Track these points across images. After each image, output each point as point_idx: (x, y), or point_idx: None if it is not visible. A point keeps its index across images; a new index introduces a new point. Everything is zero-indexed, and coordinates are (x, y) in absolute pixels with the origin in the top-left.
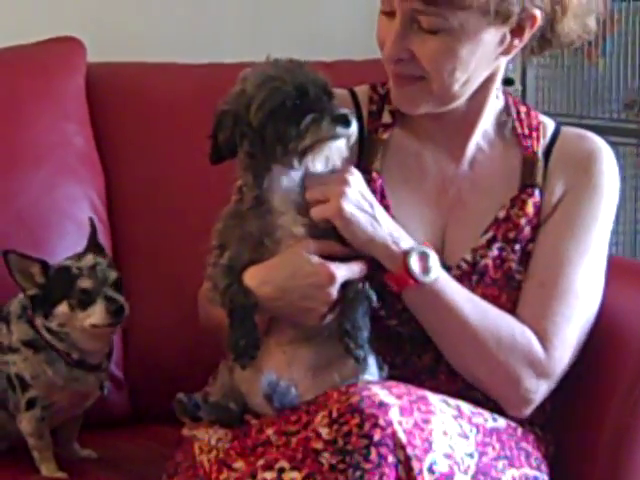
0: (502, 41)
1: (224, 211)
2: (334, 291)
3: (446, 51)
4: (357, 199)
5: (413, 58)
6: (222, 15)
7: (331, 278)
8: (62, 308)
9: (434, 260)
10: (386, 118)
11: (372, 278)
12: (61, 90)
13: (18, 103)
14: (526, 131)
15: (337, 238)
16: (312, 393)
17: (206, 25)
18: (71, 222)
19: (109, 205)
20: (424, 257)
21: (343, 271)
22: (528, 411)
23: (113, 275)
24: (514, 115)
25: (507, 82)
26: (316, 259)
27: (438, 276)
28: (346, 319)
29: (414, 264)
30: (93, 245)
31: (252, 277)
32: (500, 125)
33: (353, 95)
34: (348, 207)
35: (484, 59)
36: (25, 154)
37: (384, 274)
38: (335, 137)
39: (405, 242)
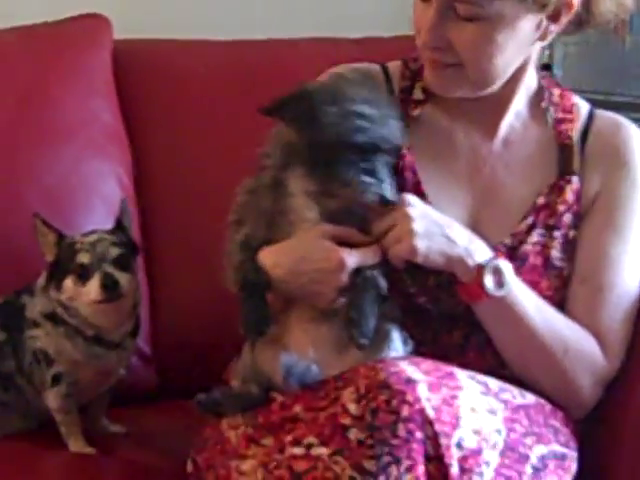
0: (538, 27)
1: (243, 185)
2: (344, 277)
3: (483, 38)
4: (426, 229)
5: (450, 46)
6: None
7: (341, 264)
8: (68, 282)
9: (508, 273)
10: (418, 94)
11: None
12: (87, 67)
13: (45, 80)
14: (560, 115)
15: (353, 224)
16: (336, 370)
17: (234, 1)
18: (99, 198)
19: (137, 181)
20: (498, 271)
21: (355, 257)
22: (583, 415)
23: (115, 252)
24: (547, 98)
25: (545, 67)
26: (328, 244)
27: (510, 289)
28: (352, 307)
29: (488, 279)
30: (117, 224)
31: (265, 258)
32: (533, 107)
33: (385, 71)
34: (421, 243)
35: (520, 45)
36: (53, 131)
37: (457, 285)
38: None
39: (480, 254)
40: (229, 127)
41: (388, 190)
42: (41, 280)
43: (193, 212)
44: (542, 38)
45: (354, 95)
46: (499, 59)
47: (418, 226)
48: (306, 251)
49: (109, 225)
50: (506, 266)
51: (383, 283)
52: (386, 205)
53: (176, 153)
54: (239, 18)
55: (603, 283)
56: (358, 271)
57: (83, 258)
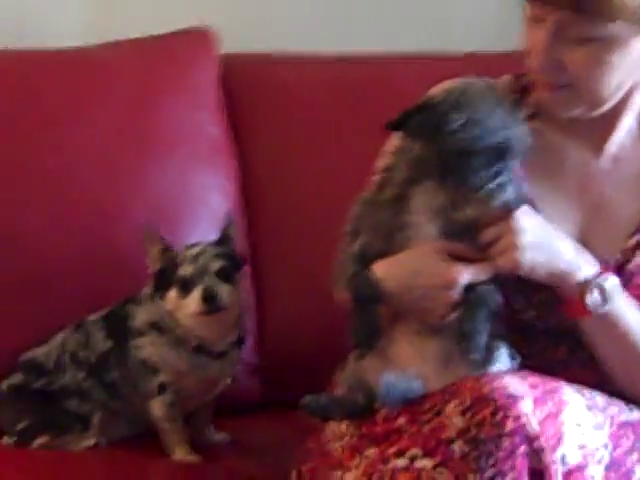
0: None
1: (361, 197)
2: (455, 294)
3: (596, 60)
4: (532, 242)
5: (562, 67)
6: (352, 3)
7: (454, 281)
8: (171, 293)
9: (613, 289)
10: (527, 109)
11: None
12: (193, 80)
13: (151, 92)
14: None
15: (471, 241)
16: (440, 385)
17: (337, 14)
18: (204, 210)
19: (245, 194)
20: (602, 288)
21: (468, 274)
22: None
23: (216, 264)
24: None
25: None
26: (442, 259)
27: (614, 305)
28: (465, 321)
29: (590, 296)
30: (221, 236)
31: (379, 270)
32: None
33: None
34: (525, 258)
35: (633, 65)
36: (158, 142)
37: (561, 303)
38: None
39: (585, 270)
40: (337, 142)
41: (513, 195)
42: (147, 289)
43: (300, 225)
44: None
45: (479, 100)
46: (613, 79)
47: (524, 239)
48: (419, 266)
49: (213, 236)
50: (611, 282)
51: (497, 299)
52: (510, 210)
53: (283, 167)
54: (348, 31)
55: None
56: (472, 286)
57: (185, 270)
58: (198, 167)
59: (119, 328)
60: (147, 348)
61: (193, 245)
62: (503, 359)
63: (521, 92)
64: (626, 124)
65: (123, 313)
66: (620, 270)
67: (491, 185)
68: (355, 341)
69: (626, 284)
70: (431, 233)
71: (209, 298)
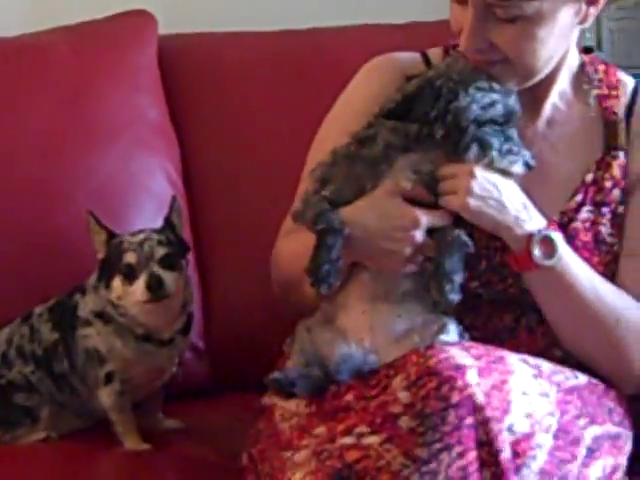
0: (578, 13)
1: (337, 149)
2: (418, 235)
3: (525, 36)
4: (483, 189)
5: (492, 46)
6: None
7: (415, 221)
8: (116, 281)
9: (559, 243)
10: None
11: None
12: (134, 64)
13: (92, 78)
14: (605, 91)
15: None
16: (393, 357)
17: None
18: (148, 195)
19: (186, 176)
20: (547, 241)
21: (428, 216)
22: (634, 390)
23: (161, 251)
24: (592, 74)
25: (586, 50)
26: (403, 202)
27: (561, 259)
28: (444, 260)
29: (537, 248)
30: (166, 223)
31: (344, 217)
32: (577, 86)
33: (426, 58)
34: (473, 201)
35: (562, 34)
36: (101, 129)
37: (507, 254)
38: (508, 173)
39: (531, 224)
40: (277, 118)
41: (528, 156)
42: (92, 279)
43: (243, 206)
44: (582, 22)
45: (475, 76)
46: (543, 52)
47: (476, 185)
48: (381, 209)
49: (159, 222)
50: (557, 236)
51: (470, 242)
52: (530, 170)
53: (224, 147)
54: (283, 8)
55: None
56: (437, 231)
57: (130, 258)
58: (140, 152)
59: (66, 319)
60: (93, 338)
61: (137, 232)
62: (452, 336)
63: None
64: (559, 87)
65: (69, 303)
66: (563, 231)
67: (505, 151)
68: (315, 277)
69: (568, 244)
70: (404, 184)
71: (154, 286)
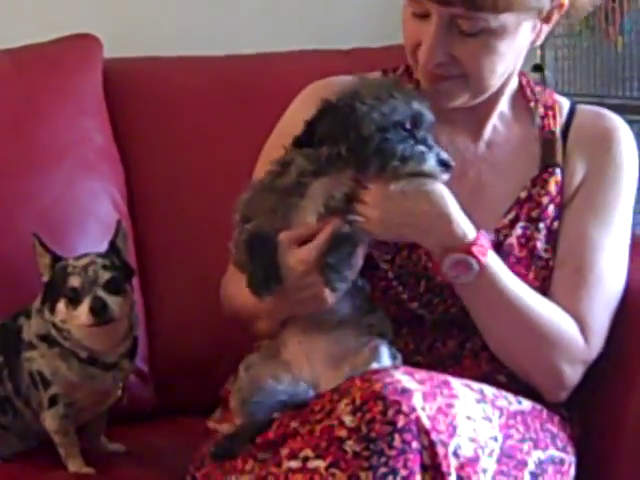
0: (533, 29)
1: (252, 184)
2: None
3: (487, 50)
4: (389, 211)
5: (451, 60)
6: (237, 6)
7: (307, 264)
8: (60, 305)
9: (488, 256)
10: None
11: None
12: (79, 87)
13: (35, 101)
14: (541, 110)
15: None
16: (332, 384)
17: (221, 17)
18: (93, 218)
19: (130, 200)
20: (462, 262)
21: (311, 250)
22: (564, 397)
23: (106, 275)
24: (529, 95)
25: (536, 69)
26: (291, 251)
27: (489, 265)
28: (330, 254)
29: (446, 265)
30: (110, 247)
31: None
32: (516, 105)
33: None
34: (379, 227)
35: (519, 50)
36: (45, 152)
37: (433, 265)
38: (433, 177)
39: (465, 235)
40: (222, 142)
41: (443, 154)
42: (37, 302)
43: (188, 230)
44: (535, 40)
45: (376, 86)
46: (500, 66)
47: (383, 215)
48: (282, 267)
49: (103, 246)
50: (476, 259)
51: (360, 234)
52: (448, 168)
53: (169, 170)
54: (228, 33)
55: (582, 264)
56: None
57: (74, 282)
58: (85, 176)
59: (10, 342)
60: (38, 361)
61: (82, 256)
62: (384, 359)
63: None
64: (500, 109)
65: (13, 327)
66: (498, 249)
67: (410, 154)
68: (253, 286)
69: (505, 262)
70: (310, 219)
71: (98, 310)
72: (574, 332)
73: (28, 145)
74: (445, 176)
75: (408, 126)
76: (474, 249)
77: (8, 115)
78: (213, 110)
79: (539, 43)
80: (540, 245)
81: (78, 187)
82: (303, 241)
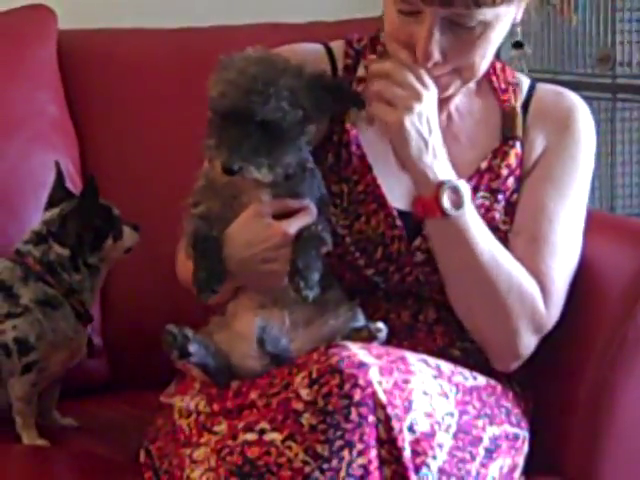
0: (515, 15)
1: (202, 170)
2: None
3: (481, 41)
4: (420, 119)
5: (446, 57)
6: None
7: (284, 236)
8: (109, 240)
9: (467, 196)
10: (361, 72)
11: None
12: (33, 58)
13: None
14: (503, 85)
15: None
16: (308, 347)
17: None
18: (47, 190)
19: (84, 172)
20: (457, 192)
21: (295, 225)
22: (515, 366)
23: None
24: (490, 70)
25: (517, 45)
26: (266, 222)
27: (464, 213)
28: (297, 258)
29: (445, 196)
30: (61, 189)
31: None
32: (478, 80)
33: (328, 50)
34: (408, 125)
35: (504, 34)
36: None
37: (414, 199)
38: None
39: (444, 174)
40: (174, 114)
41: (227, 161)
42: (10, 275)
43: (141, 201)
44: (515, 18)
45: (233, 66)
46: (490, 53)
47: (418, 110)
48: (249, 235)
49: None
50: (465, 189)
51: (328, 237)
52: (226, 173)
53: (123, 143)
54: (183, 5)
55: (537, 233)
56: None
57: (116, 211)
58: (39, 148)
59: None
60: (23, 327)
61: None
62: (360, 317)
63: (355, 56)
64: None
65: None
66: None
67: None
68: (197, 286)
69: None
70: (264, 197)
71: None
72: (535, 294)
73: None
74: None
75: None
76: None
77: None
78: (167, 82)
79: (518, 20)
80: (498, 216)
81: (32, 159)
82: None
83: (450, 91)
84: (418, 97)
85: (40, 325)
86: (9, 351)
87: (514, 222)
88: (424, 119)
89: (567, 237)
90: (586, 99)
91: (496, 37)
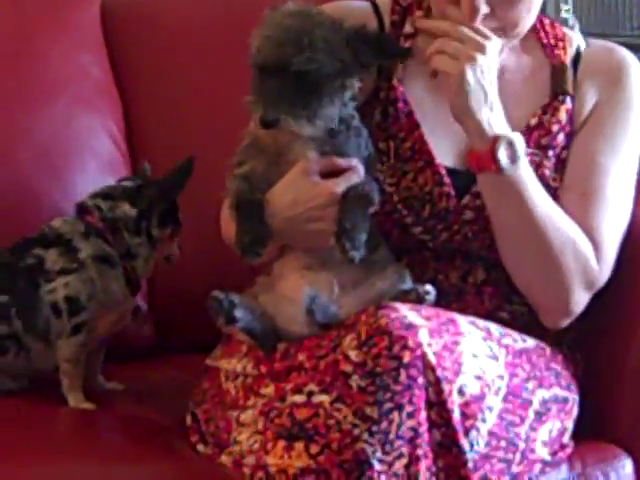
0: None
1: (247, 129)
2: (338, 207)
3: (526, 2)
4: (482, 71)
5: (493, 11)
6: None
7: (331, 196)
8: (167, 230)
9: (522, 151)
10: (408, 28)
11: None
12: (75, 21)
13: (32, 36)
14: (552, 41)
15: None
16: (351, 308)
17: None
18: (91, 154)
19: (129, 135)
20: (512, 146)
21: (342, 184)
22: (566, 323)
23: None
24: (538, 25)
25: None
26: (313, 180)
27: (519, 168)
28: (344, 218)
29: (501, 150)
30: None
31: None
32: (526, 35)
33: (375, 6)
34: (470, 76)
35: None
36: (42, 87)
37: (469, 152)
38: None
39: (500, 128)
40: (220, 78)
41: (265, 113)
42: (70, 229)
43: None
44: None
45: (269, 21)
46: (536, 9)
47: (480, 62)
48: (295, 193)
49: (102, 180)
50: (520, 144)
51: (375, 197)
52: (264, 126)
53: (168, 106)
54: None
55: (589, 189)
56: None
57: None
58: (83, 110)
59: (20, 278)
60: (75, 285)
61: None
62: (408, 280)
63: (401, 12)
64: None
65: (24, 262)
66: None
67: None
68: (240, 250)
69: None
70: (312, 155)
71: None
72: (589, 250)
73: (25, 81)
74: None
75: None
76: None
77: (5, 50)
78: (212, 43)
79: None
80: (548, 173)
81: (76, 122)
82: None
83: None
84: (481, 48)
85: (92, 284)
86: (59, 310)
87: (565, 176)
88: (486, 70)
89: (619, 192)
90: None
91: None
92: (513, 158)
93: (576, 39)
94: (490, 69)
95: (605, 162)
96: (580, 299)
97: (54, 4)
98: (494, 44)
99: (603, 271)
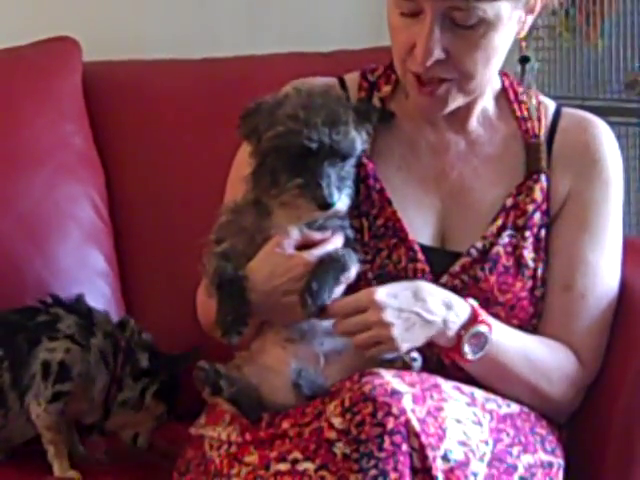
0: (519, 21)
1: (225, 205)
2: None
3: (483, 43)
4: (398, 315)
5: (448, 58)
6: (218, 9)
7: (307, 266)
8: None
9: (487, 332)
10: (376, 103)
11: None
12: (58, 90)
13: (15, 105)
14: (525, 113)
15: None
16: (337, 377)
17: (203, 19)
18: (73, 222)
19: (111, 204)
20: (478, 335)
21: (317, 253)
22: (565, 420)
23: None
24: (512, 97)
25: (523, 60)
26: (290, 252)
27: (491, 346)
28: (313, 277)
29: (467, 346)
30: None
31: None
32: (500, 107)
33: (342, 83)
34: (404, 344)
35: (508, 42)
36: (24, 156)
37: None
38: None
39: (458, 319)
40: (202, 146)
41: (328, 195)
42: None
43: (169, 233)
44: (519, 32)
45: (293, 102)
46: (494, 61)
47: (397, 331)
48: (271, 266)
49: (83, 249)
50: (484, 328)
51: (352, 264)
52: (325, 208)
53: (149, 174)
54: (208, 36)
55: (585, 290)
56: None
57: None
58: (65, 179)
59: (20, 332)
60: (72, 354)
61: None
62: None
63: (369, 88)
64: (481, 108)
65: (32, 320)
66: (484, 256)
67: (297, 183)
68: (222, 329)
69: (491, 270)
70: (293, 232)
71: None
72: (572, 364)
73: (8, 149)
74: (325, 213)
75: (299, 152)
76: (480, 318)
77: None
78: (193, 113)
79: (522, 35)
80: (527, 254)
81: (58, 191)
82: (299, 247)
83: (452, 105)
84: (378, 307)
85: (87, 367)
86: (48, 372)
87: (555, 276)
88: (398, 309)
89: (609, 287)
90: (613, 124)
91: (499, 43)
92: (481, 345)
93: (551, 108)
94: (401, 304)
95: (595, 260)
96: (574, 400)
97: (36, 73)
98: (380, 292)
99: (591, 370)
